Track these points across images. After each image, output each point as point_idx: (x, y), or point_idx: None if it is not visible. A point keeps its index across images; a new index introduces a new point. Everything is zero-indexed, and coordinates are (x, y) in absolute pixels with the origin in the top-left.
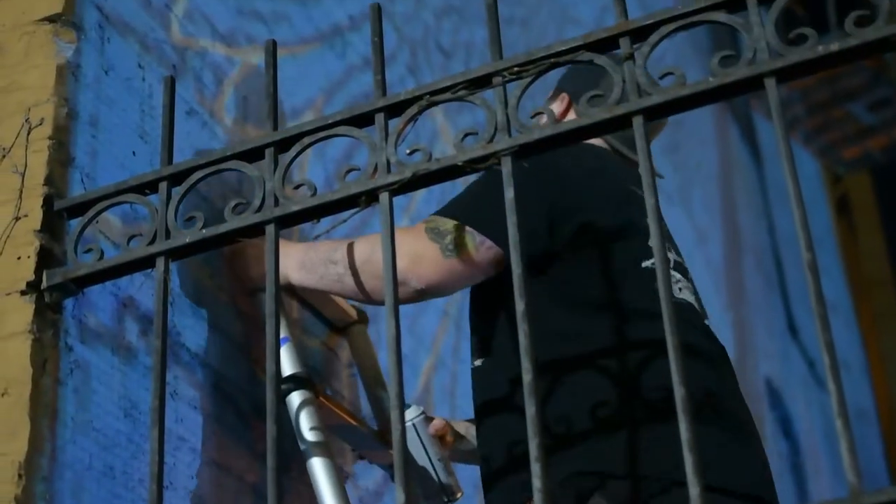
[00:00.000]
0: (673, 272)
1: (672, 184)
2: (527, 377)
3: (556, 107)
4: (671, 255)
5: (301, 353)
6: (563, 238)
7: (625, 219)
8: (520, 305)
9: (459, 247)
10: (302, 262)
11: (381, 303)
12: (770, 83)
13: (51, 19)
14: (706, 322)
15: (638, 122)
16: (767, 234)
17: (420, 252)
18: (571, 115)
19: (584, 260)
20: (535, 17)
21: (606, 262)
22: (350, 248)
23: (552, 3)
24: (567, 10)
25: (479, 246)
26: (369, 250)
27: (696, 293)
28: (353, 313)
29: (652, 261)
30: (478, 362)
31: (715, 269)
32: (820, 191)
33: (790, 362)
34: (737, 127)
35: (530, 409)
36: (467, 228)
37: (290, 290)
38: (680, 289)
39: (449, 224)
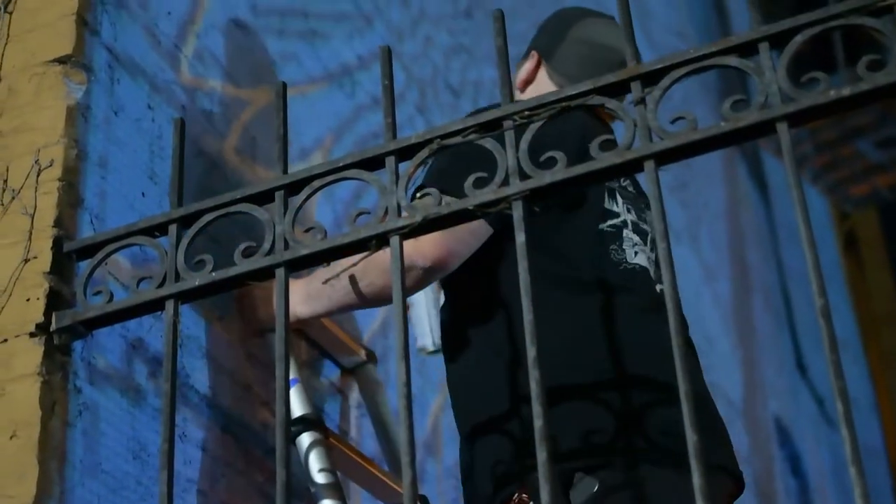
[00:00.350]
0: (630, 234)
1: (680, 222)
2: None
3: (527, 66)
4: (629, 216)
5: (310, 394)
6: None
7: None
8: (531, 351)
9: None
10: (306, 293)
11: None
12: (782, 128)
13: (61, 60)
14: (658, 288)
15: (649, 166)
16: (776, 272)
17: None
18: (542, 76)
19: (552, 223)
20: None
21: (570, 225)
22: (349, 261)
23: None
24: None
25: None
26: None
27: (652, 254)
28: (363, 353)
29: (609, 223)
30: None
31: (723, 306)
32: (828, 228)
33: (799, 400)
34: (745, 164)
35: (538, 422)
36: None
37: (299, 330)
38: (636, 252)
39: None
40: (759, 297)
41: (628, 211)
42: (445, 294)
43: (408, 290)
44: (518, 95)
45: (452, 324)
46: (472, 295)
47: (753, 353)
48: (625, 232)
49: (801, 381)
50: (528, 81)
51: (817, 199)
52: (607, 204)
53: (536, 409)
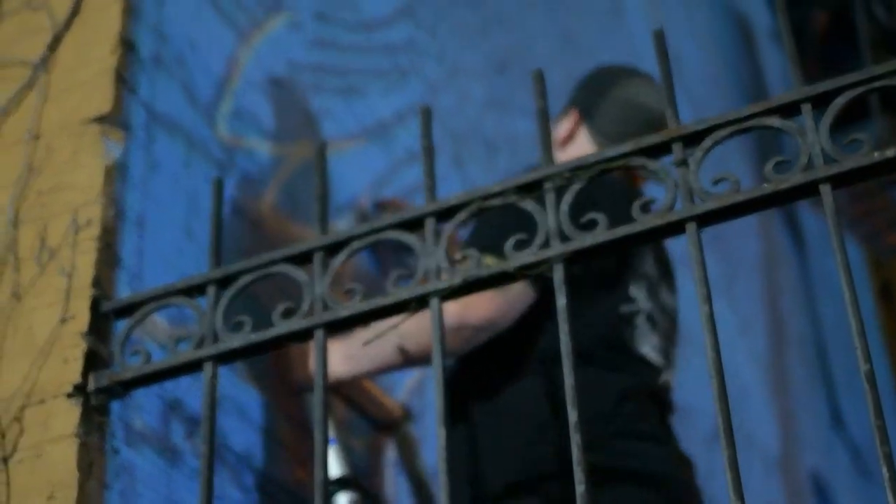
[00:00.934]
0: (643, 323)
1: (715, 275)
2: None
3: (564, 124)
4: (646, 305)
5: (347, 454)
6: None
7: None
8: (572, 415)
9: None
10: (347, 353)
11: (452, 352)
12: (825, 189)
13: (99, 119)
14: (661, 380)
15: (691, 228)
16: (811, 324)
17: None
18: (582, 134)
19: (580, 296)
20: None
21: (595, 303)
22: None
23: None
24: None
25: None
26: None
27: (663, 343)
28: (398, 412)
29: (628, 308)
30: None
31: (759, 360)
32: (863, 276)
33: (835, 453)
34: (780, 216)
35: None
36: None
37: (336, 389)
38: (644, 342)
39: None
40: (794, 350)
41: (647, 299)
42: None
43: (457, 350)
44: (557, 153)
45: (472, 385)
46: (494, 358)
47: (789, 405)
48: (638, 319)
49: (836, 434)
50: (568, 139)
51: (853, 248)
52: (631, 290)
53: (578, 474)
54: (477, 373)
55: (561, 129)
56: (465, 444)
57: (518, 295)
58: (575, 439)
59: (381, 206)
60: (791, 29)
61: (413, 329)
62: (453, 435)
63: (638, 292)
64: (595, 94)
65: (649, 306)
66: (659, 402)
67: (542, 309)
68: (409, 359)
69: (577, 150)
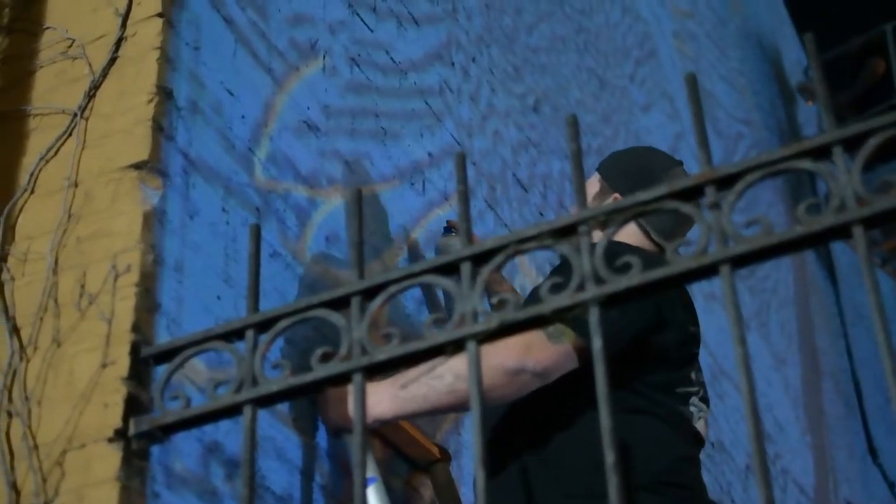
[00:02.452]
0: (697, 402)
1: (749, 309)
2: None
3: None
4: (697, 389)
5: (385, 493)
6: (637, 349)
7: (684, 349)
8: (609, 456)
9: (562, 334)
10: (389, 395)
11: (500, 398)
12: (858, 231)
13: (137, 166)
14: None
15: (725, 271)
16: (845, 356)
17: (527, 339)
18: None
19: (637, 375)
20: (611, 145)
21: (660, 379)
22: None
23: (627, 132)
24: (641, 137)
25: (577, 337)
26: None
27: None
28: (436, 451)
29: (686, 389)
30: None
31: (793, 393)
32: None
33: (870, 485)
34: (812, 249)
35: None
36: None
37: (374, 430)
38: (699, 419)
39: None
40: (828, 382)
41: (700, 383)
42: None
43: (512, 394)
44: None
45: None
46: (545, 404)
47: (824, 438)
48: (693, 399)
49: (871, 466)
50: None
51: (885, 282)
52: (693, 375)
53: None
54: (528, 419)
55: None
56: (517, 490)
57: (571, 357)
58: (612, 481)
59: (449, 226)
60: (824, 71)
61: (450, 375)
62: (504, 480)
63: (697, 378)
64: (637, 184)
65: (701, 391)
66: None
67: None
68: (462, 400)
69: (622, 232)
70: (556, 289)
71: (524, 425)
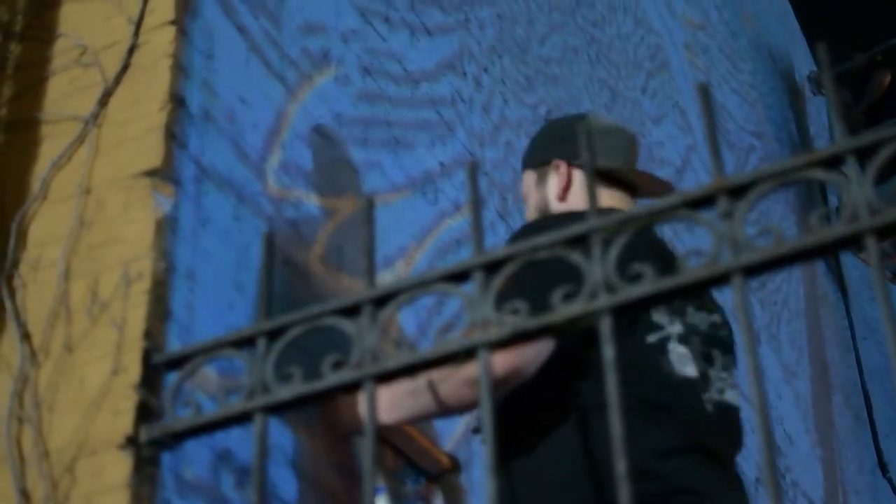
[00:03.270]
0: (676, 346)
1: (759, 321)
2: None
3: (554, 182)
4: (674, 329)
5: (395, 503)
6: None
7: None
8: (619, 465)
9: None
10: (392, 400)
11: (473, 405)
12: (870, 242)
13: (149, 173)
14: (707, 402)
15: (737, 280)
16: (855, 370)
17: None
18: (577, 178)
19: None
20: None
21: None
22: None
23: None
24: (652, 150)
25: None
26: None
27: (705, 360)
28: (446, 462)
29: (656, 336)
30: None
31: (804, 406)
32: None
33: (880, 499)
34: (823, 261)
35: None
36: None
37: (384, 438)
38: (685, 364)
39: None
40: (838, 395)
41: (671, 323)
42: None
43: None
44: (558, 206)
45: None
46: (529, 409)
47: (834, 451)
48: (670, 344)
49: (881, 479)
50: (567, 188)
51: None
52: (654, 316)
53: None
54: (512, 424)
55: (550, 186)
56: (503, 496)
57: (540, 350)
58: (623, 492)
59: None
60: (835, 81)
61: (445, 381)
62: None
63: (661, 318)
64: (566, 140)
65: (677, 329)
66: (715, 450)
67: (573, 358)
68: (446, 409)
69: (577, 193)
70: (568, 297)
71: (510, 432)
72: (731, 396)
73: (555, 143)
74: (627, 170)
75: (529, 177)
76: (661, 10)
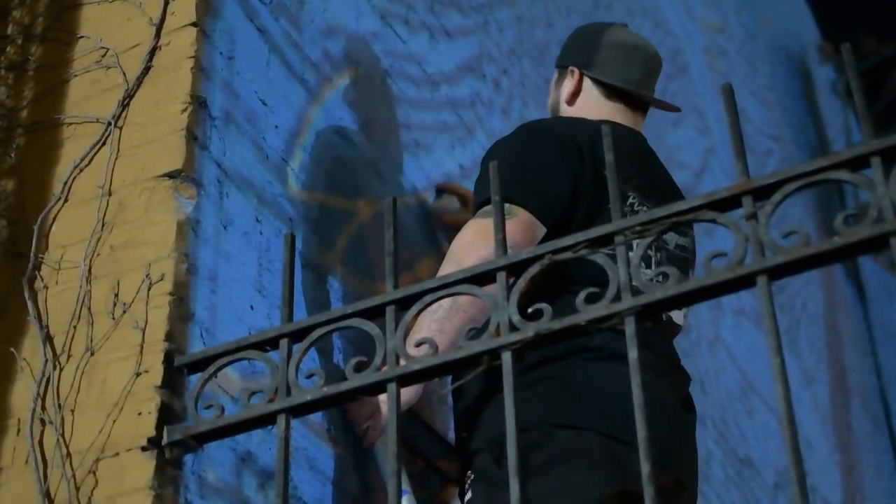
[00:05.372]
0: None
1: (779, 325)
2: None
3: (567, 86)
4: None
5: None
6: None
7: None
8: (645, 468)
9: (510, 211)
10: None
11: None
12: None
13: (171, 175)
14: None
15: (762, 281)
16: (873, 373)
17: (483, 225)
18: (587, 86)
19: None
20: None
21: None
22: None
23: (658, 148)
24: (673, 154)
25: (524, 210)
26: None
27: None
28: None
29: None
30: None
31: (822, 410)
32: None
33: None
34: (841, 266)
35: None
36: (512, 200)
37: (406, 441)
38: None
39: (514, 209)
40: (856, 400)
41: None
42: None
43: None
44: (566, 110)
45: None
46: None
47: (852, 456)
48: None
49: None
50: (576, 94)
51: None
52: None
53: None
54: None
55: (564, 89)
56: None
57: (530, 228)
58: (648, 492)
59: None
60: (861, 83)
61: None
62: None
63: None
64: (588, 48)
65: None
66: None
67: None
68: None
69: (585, 101)
70: (593, 298)
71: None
72: (675, 315)
73: (576, 48)
74: (637, 92)
75: (553, 75)
76: (679, 13)
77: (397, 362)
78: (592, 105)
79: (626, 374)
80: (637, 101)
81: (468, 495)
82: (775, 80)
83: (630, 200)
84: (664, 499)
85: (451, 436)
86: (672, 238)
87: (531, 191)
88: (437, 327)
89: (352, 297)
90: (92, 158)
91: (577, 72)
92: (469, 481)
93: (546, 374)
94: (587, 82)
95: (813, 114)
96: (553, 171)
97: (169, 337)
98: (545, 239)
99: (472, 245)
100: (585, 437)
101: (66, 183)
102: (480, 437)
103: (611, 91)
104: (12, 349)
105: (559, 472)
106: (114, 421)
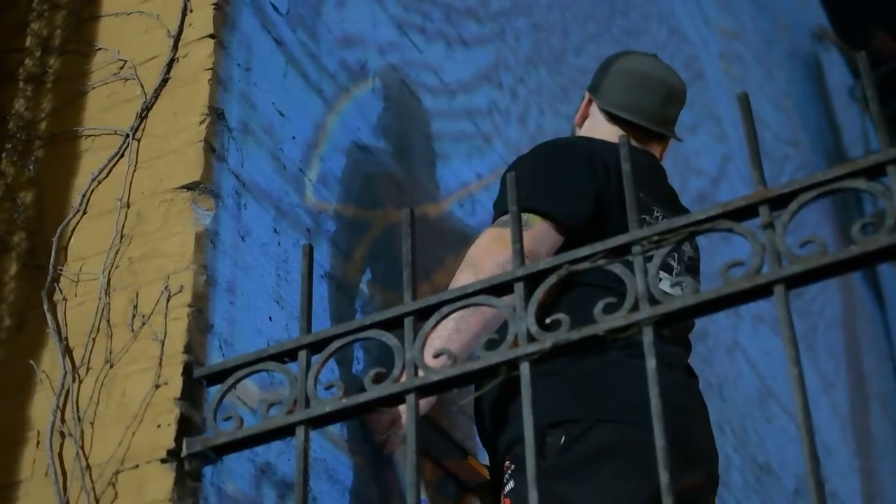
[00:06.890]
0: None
1: (797, 331)
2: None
3: (581, 106)
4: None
5: None
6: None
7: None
8: (664, 477)
9: (527, 221)
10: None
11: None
12: None
13: (189, 187)
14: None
15: (779, 291)
16: (892, 379)
17: (500, 233)
18: (594, 111)
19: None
20: None
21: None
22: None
23: (675, 155)
24: (688, 159)
25: (542, 219)
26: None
27: (679, 278)
28: (486, 473)
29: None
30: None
31: (841, 416)
32: None
33: None
34: (860, 271)
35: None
36: (533, 209)
37: (424, 451)
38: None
39: (531, 219)
40: (876, 405)
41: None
42: None
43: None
44: (577, 131)
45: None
46: None
47: (871, 461)
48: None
49: None
50: (584, 117)
51: None
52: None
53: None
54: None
55: (578, 113)
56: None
57: (548, 238)
58: (667, 502)
59: None
60: (878, 90)
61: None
62: None
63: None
64: (599, 74)
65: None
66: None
67: None
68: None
69: (592, 125)
70: (611, 308)
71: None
72: None
73: (597, 73)
74: (631, 118)
75: (586, 97)
76: (695, 19)
77: (416, 373)
78: (596, 129)
79: (663, 373)
80: (647, 128)
81: (509, 485)
82: (792, 85)
83: (655, 214)
84: (701, 495)
85: (469, 444)
86: (686, 248)
87: (552, 200)
88: (453, 325)
89: (371, 307)
90: (110, 170)
91: (587, 97)
92: (509, 472)
93: (590, 368)
94: (593, 107)
95: (830, 118)
96: (576, 182)
97: (188, 349)
98: (565, 248)
99: (488, 250)
100: (631, 431)
101: (84, 195)
102: (520, 427)
103: (611, 117)
104: (32, 361)
105: (608, 466)
106: (133, 433)
